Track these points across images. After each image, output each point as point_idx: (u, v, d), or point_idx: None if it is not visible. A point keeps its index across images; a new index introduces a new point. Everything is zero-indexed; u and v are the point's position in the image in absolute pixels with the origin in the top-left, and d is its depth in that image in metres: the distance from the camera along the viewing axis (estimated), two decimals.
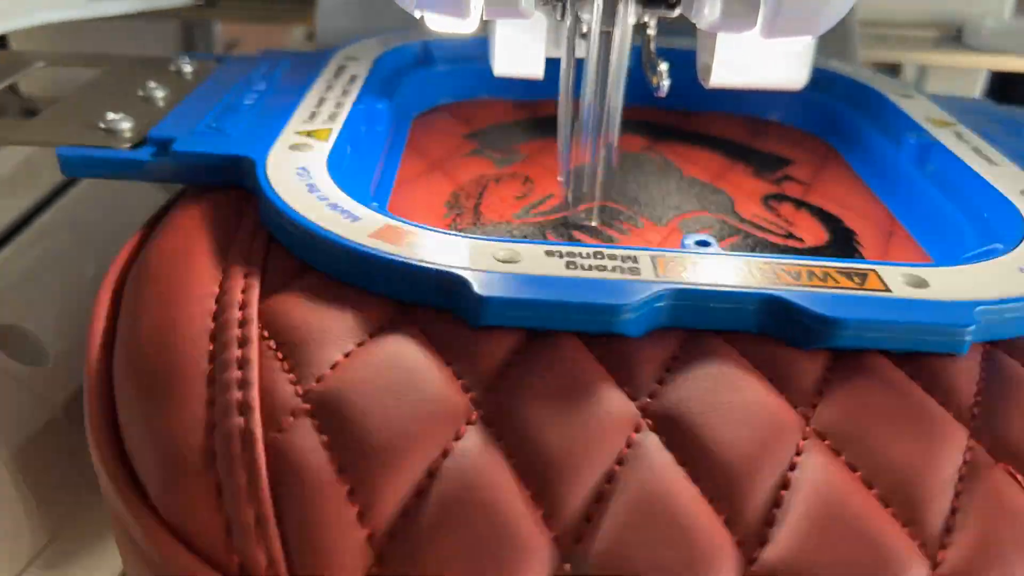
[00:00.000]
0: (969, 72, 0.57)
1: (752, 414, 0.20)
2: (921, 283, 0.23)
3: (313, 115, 0.31)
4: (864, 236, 0.31)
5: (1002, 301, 0.22)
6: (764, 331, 0.22)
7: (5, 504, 0.27)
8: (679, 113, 0.42)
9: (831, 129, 0.40)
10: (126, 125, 0.29)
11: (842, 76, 0.40)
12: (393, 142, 0.35)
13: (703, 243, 0.25)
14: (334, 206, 0.24)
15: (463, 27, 0.25)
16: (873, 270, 0.23)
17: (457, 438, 0.19)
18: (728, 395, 0.20)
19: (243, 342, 0.21)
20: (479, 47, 0.42)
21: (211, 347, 0.21)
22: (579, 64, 0.29)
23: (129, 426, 0.21)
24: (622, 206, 0.31)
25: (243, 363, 0.20)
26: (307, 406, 0.19)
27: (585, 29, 0.28)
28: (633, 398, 0.20)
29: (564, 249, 0.23)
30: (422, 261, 0.22)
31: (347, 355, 0.21)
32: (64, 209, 0.35)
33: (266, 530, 0.18)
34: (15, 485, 0.28)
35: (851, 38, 0.49)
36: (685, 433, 0.19)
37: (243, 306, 0.22)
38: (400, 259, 0.22)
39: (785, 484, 0.19)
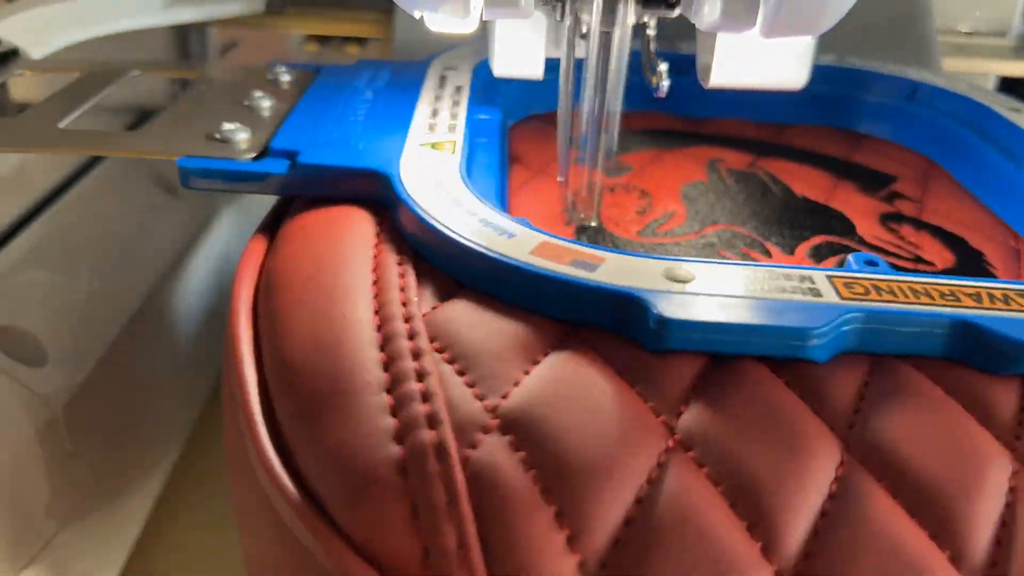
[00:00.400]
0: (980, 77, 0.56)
1: (959, 445, 0.19)
2: None
3: (432, 126, 0.30)
4: (993, 256, 0.31)
5: None
6: (950, 355, 0.21)
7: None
8: (773, 126, 0.42)
9: (931, 143, 0.39)
10: (243, 136, 0.29)
11: (941, 88, 0.40)
12: (501, 151, 0.34)
13: (871, 263, 0.24)
14: (485, 222, 0.24)
15: (463, 27, 0.24)
16: None
17: (659, 464, 0.18)
18: (930, 425, 0.19)
19: (416, 354, 0.20)
20: None
21: (382, 357, 0.20)
22: (579, 65, 0.29)
23: (299, 441, 0.20)
24: (745, 230, 0.31)
25: (421, 375, 0.19)
26: (497, 421, 0.19)
27: (585, 29, 0.28)
28: (832, 427, 0.19)
29: (739, 269, 0.22)
30: (594, 280, 0.21)
31: (527, 372, 0.20)
32: (61, 211, 0.35)
33: (469, 553, 0.17)
34: (11, 488, 0.27)
35: (931, 46, 0.48)
36: (894, 466, 0.19)
37: (407, 319, 0.21)
38: (571, 278, 0.21)
39: (1005, 520, 0.18)
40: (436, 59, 0.37)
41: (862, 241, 0.31)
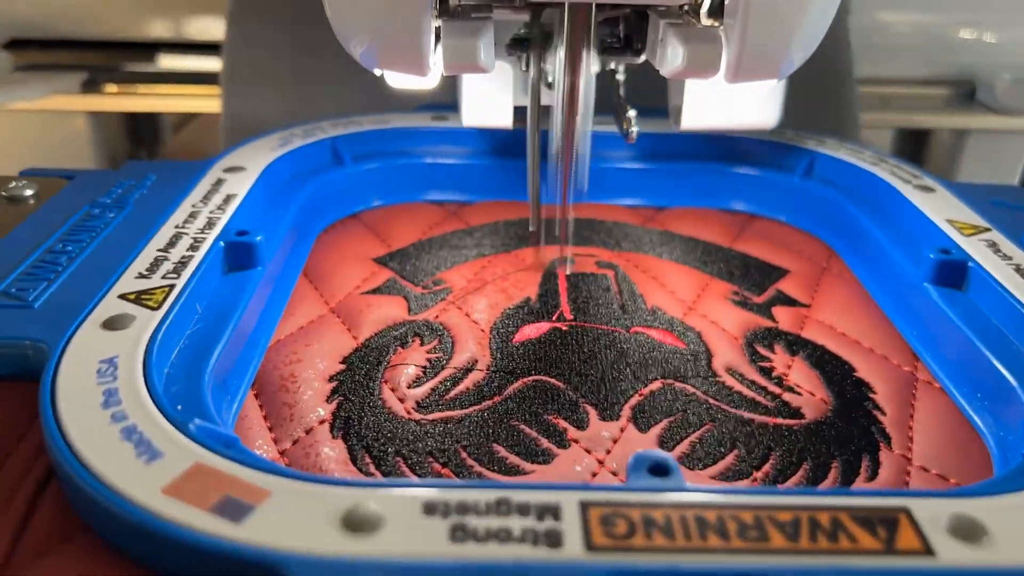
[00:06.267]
0: (1011, 135, 0.49)
1: None
2: (976, 531, 0.15)
3: (155, 264, 0.24)
4: (883, 391, 0.24)
5: None
6: None
7: None
8: (650, 209, 0.35)
9: (829, 227, 0.33)
10: None
11: (840, 161, 0.33)
12: (285, 274, 0.28)
13: (660, 467, 0.18)
14: (129, 432, 0.17)
15: (424, 84, 0.25)
16: (905, 511, 0.16)
17: None
18: None
19: None
20: (392, 140, 0.35)
21: None
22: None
23: None
24: (559, 382, 0.24)
25: None
26: None
27: (551, 79, 0.28)
28: None
29: (453, 499, 0.16)
30: (228, 539, 0.15)
31: None
32: None
33: None
34: None
35: (850, 101, 0.42)
36: None
37: None
38: (191, 535, 0.15)
39: None
40: (222, 158, 0.31)
41: (713, 384, 0.24)
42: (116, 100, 0.42)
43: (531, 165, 0.28)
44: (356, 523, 0.15)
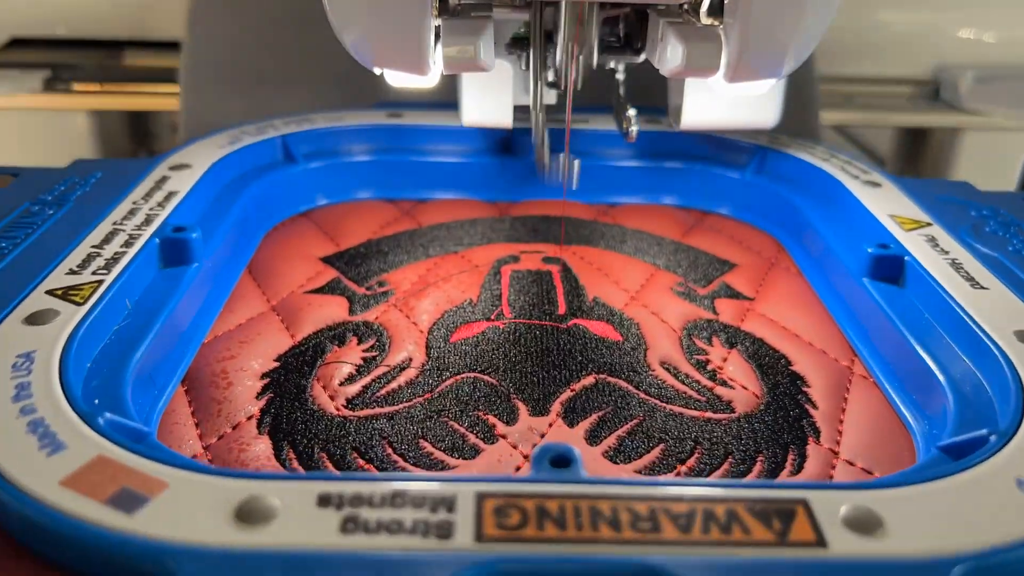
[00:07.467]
0: (1008, 134, 0.48)
1: None
2: (872, 523, 0.15)
3: (87, 260, 0.24)
4: (817, 385, 0.24)
5: (997, 551, 0.15)
6: None
7: None
8: (602, 206, 0.35)
9: (783, 224, 0.33)
10: None
11: (792, 157, 0.33)
12: (226, 271, 0.28)
13: (561, 458, 0.18)
14: (36, 425, 0.17)
15: (423, 83, 0.25)
16: (803, 502, 0.16)
17: None
18: None
19: None
20: (358, 136, 0.35)
21: None
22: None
23: None
24: (492, 378, 0.24)
25: None
26: None
27: (551, 78, 0.28)
28: None
29: (348, 490, 0.16)
30: (119, 531, 0.15)
31: None
32: None
33: None
34: None
35: (812, 98, 0.42)
36: None
37: None
38: (80, 526, 0.15)
39: None
40: (169, 156, 0.31)
41: (645, 379, 0.24)
42: (82, 99, 0.42)
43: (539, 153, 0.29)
44: (249, 515, 0.15)
